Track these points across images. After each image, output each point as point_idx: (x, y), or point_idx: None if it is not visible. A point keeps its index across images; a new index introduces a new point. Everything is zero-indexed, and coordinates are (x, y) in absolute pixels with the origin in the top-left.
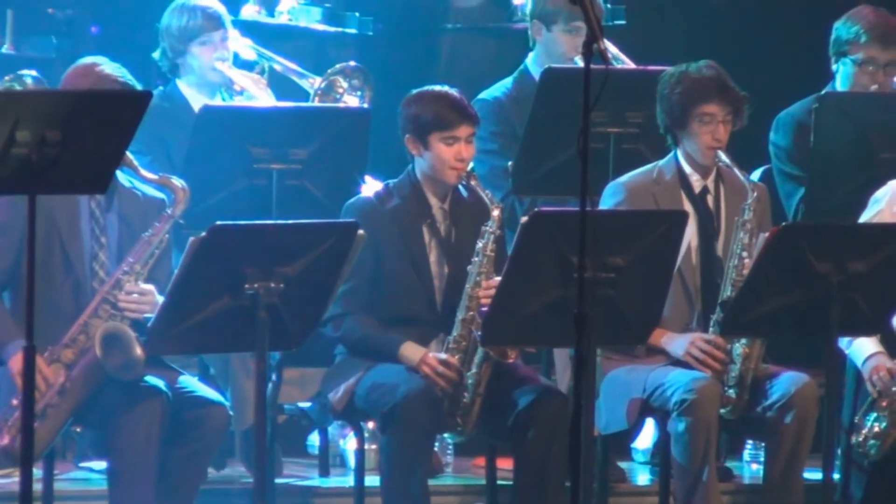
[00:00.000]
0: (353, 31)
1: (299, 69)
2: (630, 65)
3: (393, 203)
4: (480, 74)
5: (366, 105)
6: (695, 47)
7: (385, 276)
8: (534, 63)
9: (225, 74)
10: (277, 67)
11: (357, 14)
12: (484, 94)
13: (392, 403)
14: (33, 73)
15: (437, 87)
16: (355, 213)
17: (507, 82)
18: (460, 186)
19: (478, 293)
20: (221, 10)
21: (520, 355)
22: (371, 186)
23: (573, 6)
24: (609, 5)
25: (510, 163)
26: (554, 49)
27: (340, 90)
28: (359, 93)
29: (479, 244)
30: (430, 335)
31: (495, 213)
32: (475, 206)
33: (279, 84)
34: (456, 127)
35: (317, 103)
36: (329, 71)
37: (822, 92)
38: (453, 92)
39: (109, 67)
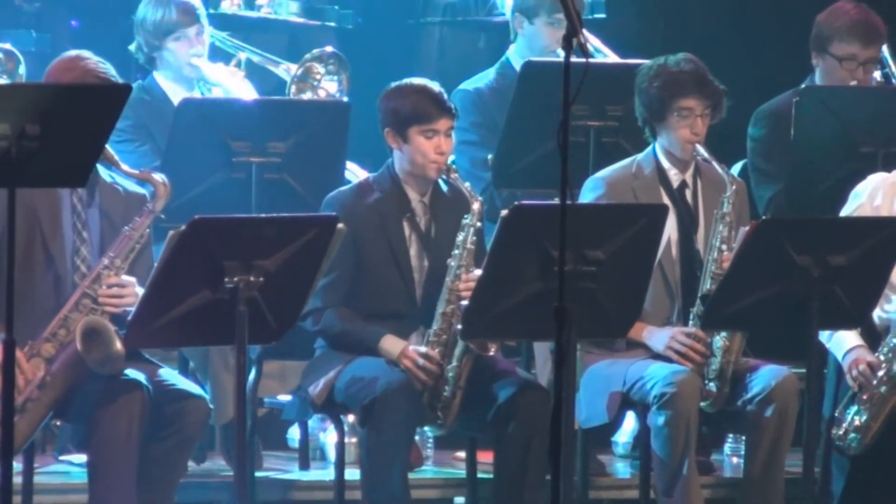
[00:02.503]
0: (332, 24)
1: (275, 58)
2: (612, 57)
3: (373, 197)
4: (460, 68)
5: (343, 90)
6: (675, 40)
7: (365, 270)
8: (516, 55)
9: (201, 71)
10: (254, 58)
11: (336, 7)
12: (465, 85)
13: (371, 397)
14: (7, 45)
15: (416, 80)
16: (335, 206)
17: (490, 73)
18: (440, 180)
19: (458, 286)
20: (196, 3)
21: (500, 349)
22: (354, 172)
23: None
24: None
25: (490, 155)
26: (536, 42)
27: (318, 76)
28: (335, 78)
29: (459, 237)
30: (410, 328)
31: (475, 206)
32: (455, 199)
33: (257, 74)
34: (435, 120)
35: (294, 91)
36: (305, 57)
37: (803, 86)
38: (432, 85)
39: (93, 62)
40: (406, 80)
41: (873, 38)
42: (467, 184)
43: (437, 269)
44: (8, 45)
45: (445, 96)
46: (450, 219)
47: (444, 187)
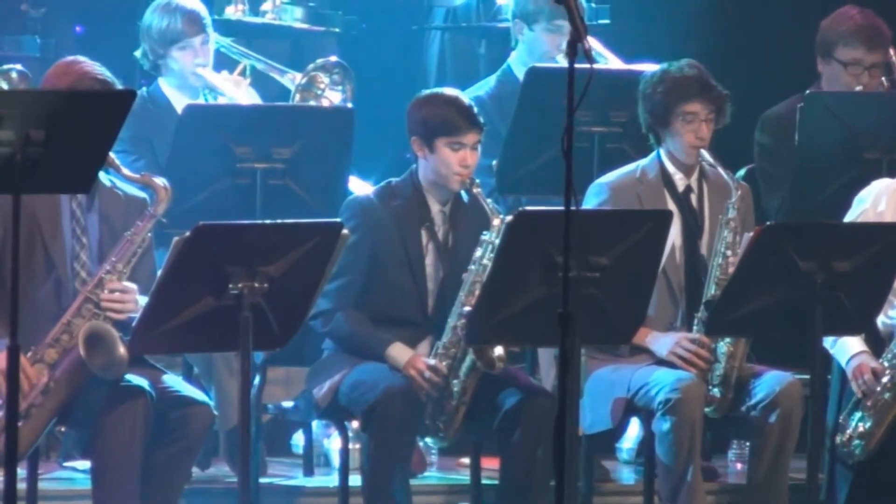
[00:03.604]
0: (337, 30)
1: (279, 66)
2: (616, 62)
3: (394, 203)
4: (462, 74)
5: (348, 100)
6: (679, 46)
7: (379, 275)
8: (517, 62)
9: (205, 80)
10: (258, 66)
11: (341, 13)
12: (466, 94)
13: (372, 400)
14: (18, 66)
15: (448, 91)
16: (355, 209)
17: (490, 81)
18: (462, 192)
19: (471, 301)
20: (203, 11)
21: (507, 364)
22: (356, 185)
23: (555, 4)
24: (593, 4)
25: (494, 161)
26: (536, 48)
27: (322, 85)
28: (340, 88)
29: (477, 253)
30: (419, 337)
31: (496, 222)
32: (475, 212)
33: (261, 82)
34: (463, 133)
35: (298, 99)
36: (309, 66)
37: (808, 91)
38: (463, 97)
39: (89, 65)
40: (437, 90)
41: (878, 42)
42: (489, 200)
43: (452, 279)
44: (19, 66)
45: (475, 110)
46: (468, 231)
47: (466, 199)
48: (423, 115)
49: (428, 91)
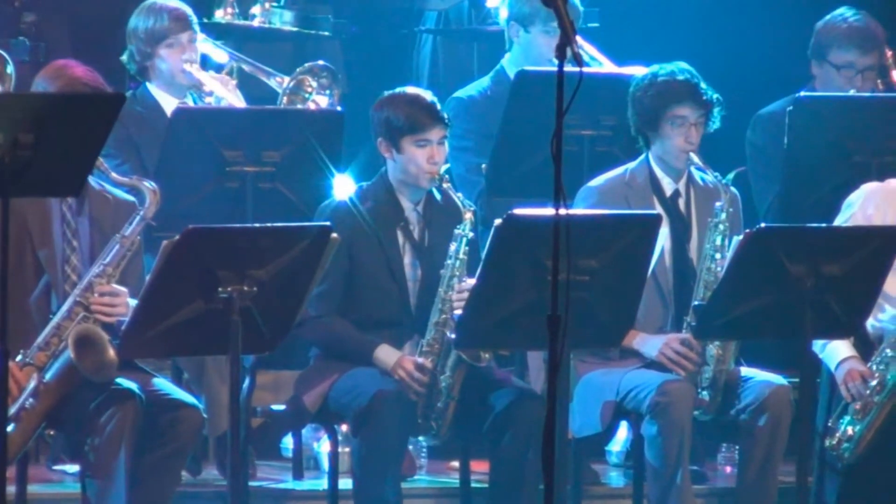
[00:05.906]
0: (327, 33)
1: (267, 69)
2: (608, 64)
3: (367, 206)
4: (453, 77)
5: (335, 104)
6: (668, 49)
7: (359, 279)
8: (510, 64)
9: (194, 77)
10: (246, 67)
11: (331, 17)
12: (459, 93)
13: (363, 405)
14: None
15: (409, 90)
16: (329, 215)
17: (484, 82)
18: (434, 189)
19: (450, 296)
20: (188, 10)
21: (493, 359)
22: (342, 183)
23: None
24: (583, 7)
25: (484, 164)
26: (532, 50)
27: (309, 89)
28: (327, 92)
29: (452, 247)
30: (404, 337)
31: (468, 216)
32: (448, 208)
33: (249, 84)
34: (428, 130)
35: (286, 103)
36: (297, 70)
37: (798, 94)
38: (424, 94)
39: (81, 69)
40: (398, 90)
41: (871, 45)
42: (459, 194)
43: (431, 277)
44: None
45: (438, 105)
46: (443, 227)
47: (438, 196)
48: (385, 115)
49: (389, 92)
